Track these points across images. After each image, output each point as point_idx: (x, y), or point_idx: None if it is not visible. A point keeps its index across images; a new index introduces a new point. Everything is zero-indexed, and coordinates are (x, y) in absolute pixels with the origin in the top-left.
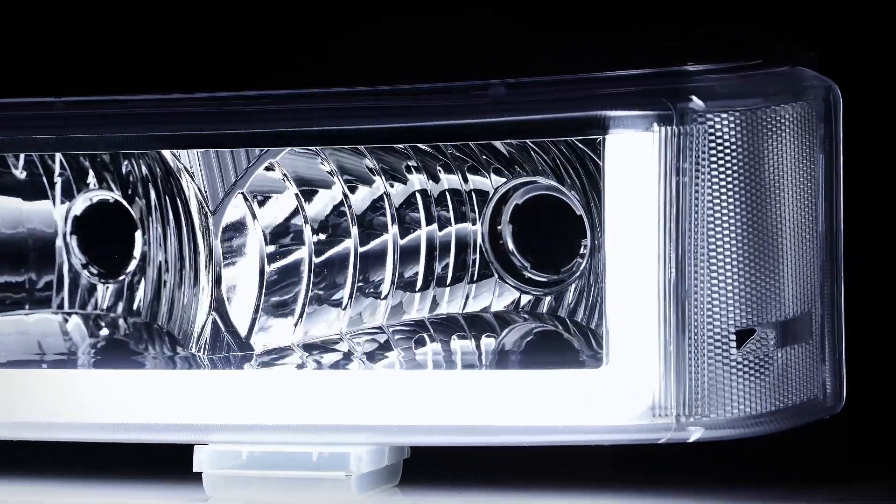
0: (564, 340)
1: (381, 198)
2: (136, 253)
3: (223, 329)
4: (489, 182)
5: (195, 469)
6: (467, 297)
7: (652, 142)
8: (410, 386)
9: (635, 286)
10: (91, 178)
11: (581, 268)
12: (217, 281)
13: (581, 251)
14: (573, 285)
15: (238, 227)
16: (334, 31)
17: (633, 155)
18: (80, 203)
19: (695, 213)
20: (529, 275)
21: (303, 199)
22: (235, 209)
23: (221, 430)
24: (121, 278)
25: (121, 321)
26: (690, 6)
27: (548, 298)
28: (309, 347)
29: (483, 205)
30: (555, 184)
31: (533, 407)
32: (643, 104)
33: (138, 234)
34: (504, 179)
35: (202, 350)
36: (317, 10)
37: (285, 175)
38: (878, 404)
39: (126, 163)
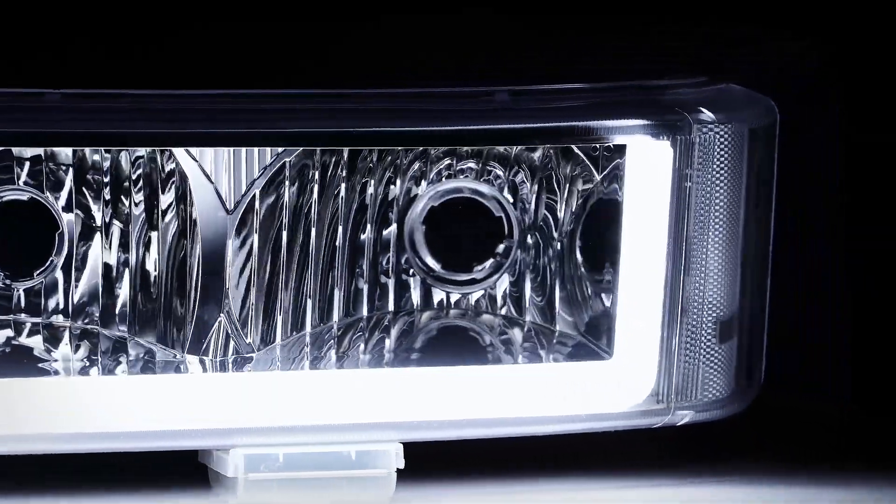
0: (469, 335)
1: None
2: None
3: (230, 331)
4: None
5: (230, 474)
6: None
7: (665, 150)
8: (433, 382)
9: (647, 284)
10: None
11: (504, 266)
12: (226, 281)
13: (499, 250)
14: (506, 282)
15: (243, 227)
16: (334, 31)
17: (647, 162)
18: None
19: (699, 217)
20: (439, 273)
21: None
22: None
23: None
24: (40, 280)
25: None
26: (690, 6)
27: (475, 294)
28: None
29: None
30: (473, 186)
31: (554, 398)
32: (660, 114)
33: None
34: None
35: (209, 352)
36: (317, 10)
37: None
38: (880, 403)
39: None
